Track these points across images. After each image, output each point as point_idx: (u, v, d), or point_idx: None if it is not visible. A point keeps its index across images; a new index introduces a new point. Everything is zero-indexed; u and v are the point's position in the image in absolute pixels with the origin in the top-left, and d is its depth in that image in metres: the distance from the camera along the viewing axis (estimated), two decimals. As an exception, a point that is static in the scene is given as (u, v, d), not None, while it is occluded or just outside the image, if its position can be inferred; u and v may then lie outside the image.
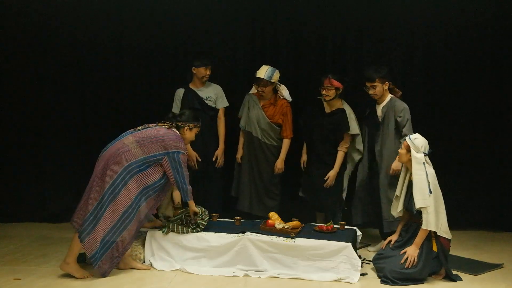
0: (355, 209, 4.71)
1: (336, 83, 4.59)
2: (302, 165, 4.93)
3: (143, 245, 4.11)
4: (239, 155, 4.97)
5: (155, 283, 3.74)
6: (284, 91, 4.90)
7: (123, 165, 3.80)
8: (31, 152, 5.58)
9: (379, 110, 4.47)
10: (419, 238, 3.79)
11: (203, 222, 4.12)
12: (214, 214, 4.43)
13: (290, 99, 4.92)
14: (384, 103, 4.44)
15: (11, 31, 5.51)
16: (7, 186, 5.57)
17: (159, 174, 3.93)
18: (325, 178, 4.67)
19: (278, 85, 4.86)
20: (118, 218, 3.77)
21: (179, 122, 4.11)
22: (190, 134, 4.16)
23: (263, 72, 4.71)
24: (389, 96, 4.45)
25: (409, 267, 3.76)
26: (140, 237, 4.18)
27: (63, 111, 5.55)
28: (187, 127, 4.10)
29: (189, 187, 4.02)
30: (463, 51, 5.34)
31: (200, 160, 4.89)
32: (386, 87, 4.42)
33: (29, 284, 3.69)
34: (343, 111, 4.71)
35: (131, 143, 3.88)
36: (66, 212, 5.54)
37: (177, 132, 4.07)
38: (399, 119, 4.31)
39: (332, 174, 4.68)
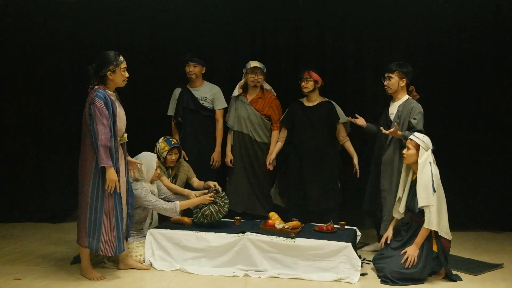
0: (367, 192, 4.62)
1: (315, 75, 4.72)
2: (268, 164, 4.86)
3: (143, 246, 4.11)
4: (228, 158, 4.98)
5: (155, 283, 3.74)
6: (268, 86, 5.02)
7: (90, 166, 3.61)
8: (31, 152, 5.59)
9: (393, 107, 4.42)
10: (420, 238, 3.79)
11: (221, 203, 4.15)
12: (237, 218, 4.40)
13: (275, 94, 5.03)
14: (400, 102, 4.38)
15: (11, 31, 5.51)
16: (7, 186, 5.57)
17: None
18: (351, 170, 4.68)
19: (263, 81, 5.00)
20: (116, 213, 3.67)
21: (98, 73, 3.67)
22: (117, 76, 3.69)
23: (257, 63, 4.88)
24: (406, 96, 4.40)
25: (409, 267, 3.76)
26: (140, 238, 4.18)
27: (63, 111, 5.56)
28: (108, 72, 3.67)
29: (101, 148, 3.51)
30: (463, 51, 5.35)
31: (187, 159, 4.90)
32: (402, 84, 4.37)
33: (29, 284, 3.68)
34: (329, 102, 4.80)
35: (82, 143, 3.70)
36: (66, 212, 5.57)
37: (99, 86, 3.68)
38: (413, 121, 4.22)
39: (356, 161, 4.75)
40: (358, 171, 4.74)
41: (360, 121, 4.65)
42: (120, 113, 3.77)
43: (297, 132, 4.82)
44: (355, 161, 4.76)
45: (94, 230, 3.65)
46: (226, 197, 4.25)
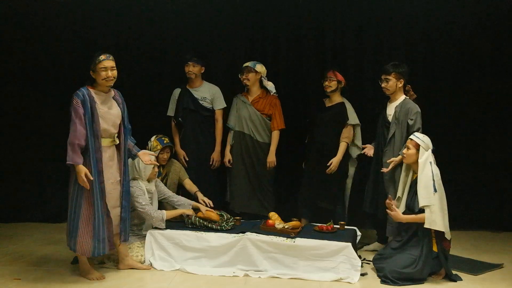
0: (367, 194, 4.62)
1: (339, 76, 4.72)
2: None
3: (143, 246, 4.11)
4: (226, 159, 4.97)
5: (155, 283, 3.74)
6: (269, 86, 4.94)
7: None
8: (31, 152, 5.58)
9: (390, 108, 4.42)
10: (412, 218, 3.82)
11: (227, 226, 4.16)
12: (237, 218, 4.41)
13: (274, 91, 4.95)
14: (397, 103, 4.38)
15: (11, 31, 5.51)
16: (7, 186, 5.57)
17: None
18: (327, 164, 4.63)
19: (264, 79, 4.92)
20: (95, 213, 3.64)
21: (90, 75, 3.71)
22: (97, 75, 3.67)
23: (249, 63, 4.88)
24: (403, 97, 4.40)
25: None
26: (141, 238, 4.18)
27: (63, 111, 5.53)
28: (90, 71, 3.70)
29: (68, 146, 3.59)
30: (464, 51, 5.34)
31: (187, 159, 4.90)
32: (400, 85, 4.38)
33: (29, 284, 3.69)
34: (342, 104, 4.77)
35: None
36: (66, 212, 5.55)
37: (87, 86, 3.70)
38: (410, 122, 4.23)
39: (334, 160, 4.65)
40: (331, 169, 4.64)
41: (369, 151, 4.61)
42: (110, 113, 3.73)
43: (312, 131, 4.86)
44: (334, 159, 4.65)
45: (72, 231, 3.66)
46: (231, 218, 4.29)
